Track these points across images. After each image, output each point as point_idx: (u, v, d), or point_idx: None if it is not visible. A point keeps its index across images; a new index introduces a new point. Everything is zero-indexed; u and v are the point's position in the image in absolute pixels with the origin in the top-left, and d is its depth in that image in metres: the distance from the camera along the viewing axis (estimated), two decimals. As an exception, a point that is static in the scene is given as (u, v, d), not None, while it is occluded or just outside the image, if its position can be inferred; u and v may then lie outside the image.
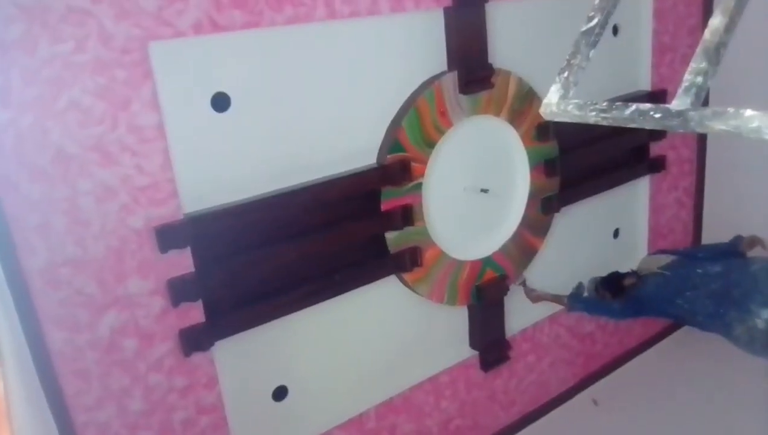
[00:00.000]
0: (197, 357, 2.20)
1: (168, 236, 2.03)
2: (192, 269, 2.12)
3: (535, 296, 3.08)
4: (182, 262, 2.11)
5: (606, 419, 3.29)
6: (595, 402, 3.44)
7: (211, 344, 2.20)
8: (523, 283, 3.09)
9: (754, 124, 0.79)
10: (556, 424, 3.34)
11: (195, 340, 2.16)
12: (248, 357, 2.35)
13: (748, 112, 0.81)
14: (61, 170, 1.88)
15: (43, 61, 1.79)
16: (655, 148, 3.57)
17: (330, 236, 2.44)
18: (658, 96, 3.33)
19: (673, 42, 3.43)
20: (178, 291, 2.09)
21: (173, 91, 2.01)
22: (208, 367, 2.25)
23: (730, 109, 0.83)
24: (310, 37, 2.25)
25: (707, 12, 3.46)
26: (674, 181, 3.77)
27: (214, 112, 2.12)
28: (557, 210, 3.12)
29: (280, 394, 2.49)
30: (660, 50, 3.41)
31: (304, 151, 2.33)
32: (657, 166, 3.58)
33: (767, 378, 2.97)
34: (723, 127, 0.84)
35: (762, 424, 3.03)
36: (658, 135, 3.49)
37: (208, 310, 2.19)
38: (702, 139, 3.79)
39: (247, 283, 2.28)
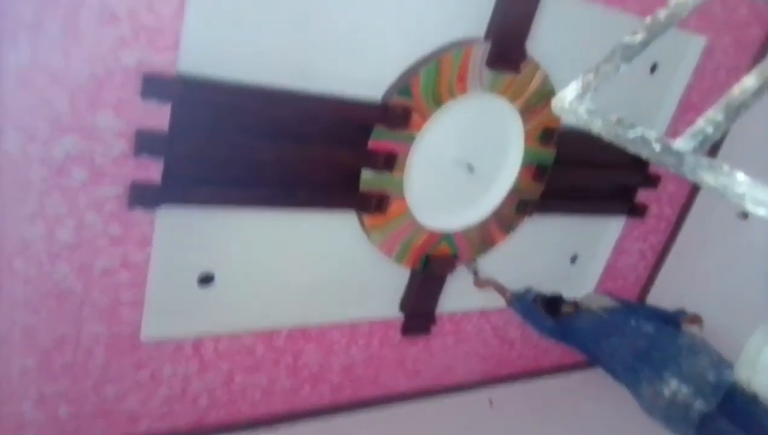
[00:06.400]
0: (139, 213, 2.18)
1: (154, 85, 1.98)
2: (166, 127, 2.08)
3: (482, 281, 3.12)
4: (159, 116, 2.06)
5: (493, 422, 3.40)
6: (490, 402, 3.54)
7: (158, 205, 2.18)
8: (475, 270, 3.13)
9: (741, 190, 0.79)
10: (447, 408, 3.43)
11: (143, 196, 2.13)
12: (188, 233, 2.34)
13: (740, 177, 0.81)
14: (73, -24, 1.80)
15: None
16: (642, 195, 3.60)
17: (311, 151, 2.42)
18: (665, 148, 3.32)
19: (701, 103, 3.43)
20: (144, 142, 2.05)
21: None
22: (146, 226, 2.22)
23: (726, 167, 0.83)
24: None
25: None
26: (646, 233, 3.82)
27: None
28: (530, 214, 3.14)
29: (206, 280, 2.49)
30: (686, 105, 3.41)
31: (316, 56, 2.27)
32: (638, 211, 3.61)
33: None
34: (712, 182, 0.84)
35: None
36: (650, 183, 3.52)
37: (167, 172, 2.15)
38: (687, 204, 3.84)
39: (213, 162, 2.25)
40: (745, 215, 3.67)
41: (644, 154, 0.95)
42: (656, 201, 3.69)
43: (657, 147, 0.92)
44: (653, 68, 3.22)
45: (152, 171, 2.13)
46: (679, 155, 0.90)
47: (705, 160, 0.87)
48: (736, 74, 3.48)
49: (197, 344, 2.56)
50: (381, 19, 2.34)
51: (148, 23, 1.93)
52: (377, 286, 2.97)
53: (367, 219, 2.66)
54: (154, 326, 2.38)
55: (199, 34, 2.03)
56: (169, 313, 2.41)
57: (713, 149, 3.19)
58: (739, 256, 3.61)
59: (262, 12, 2.12)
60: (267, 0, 2.10)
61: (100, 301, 2.25)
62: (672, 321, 3.07)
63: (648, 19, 1.09)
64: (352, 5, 2.26)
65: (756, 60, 3.52)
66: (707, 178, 0.86)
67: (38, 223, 2.05)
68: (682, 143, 0.91)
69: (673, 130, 3.42)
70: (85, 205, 2.08)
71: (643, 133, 0.95)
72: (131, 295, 2.30)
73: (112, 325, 2.31)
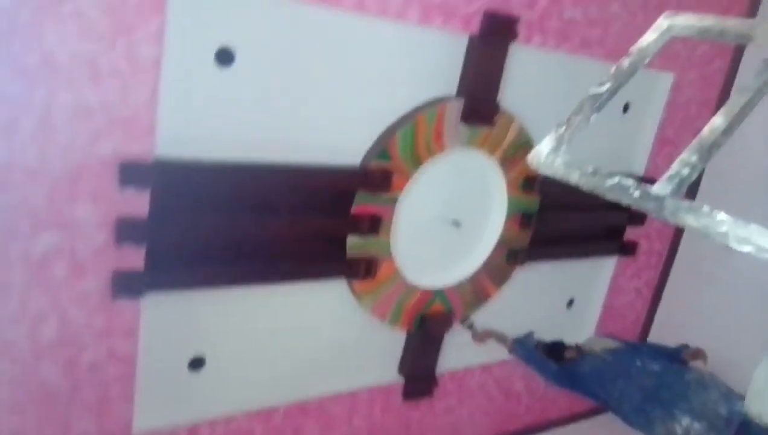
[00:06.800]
0: (124, 302, 2.13)
1: (131, 173, 1.97)
2: (146, 213, 2.06)
3: (481, 335, 3.06)
4: (138, 203, 2.04)
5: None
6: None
7: (142, 293, 2.13)
8: (471, 326, 3.08)
9: (723, 229, 0.78)
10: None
11: (127, 285, 2.09)
12: (175, 318, 2.28)
13: (720, 216, 0.80)
14: (45, 75, 1.82)
15: (59, -38, 1.74)
16: (631, 233, 3.60)
17: (294, 223, 2.40)
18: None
19: (676, 137, 3.49)
20: (125, 231, 2.02)
21: (181, 31, 1.96)
22: (132, 315, 2.17)
23: (705, 208, 0.82)
24: (334, 21, 2.23)
25: (716, 120, 3.53)
26: (639, 270, 3.80)
27: (216, 64, 2.07)
28: (521, 263, 3.12)
29: (196, 364, 2.42)
30: (662, 140, 3.46)
31: (292, 129, 2.29)
32: (628, 249, 3.61)
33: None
34: (694, 224, 0.83)
35: None
36: (637, 220, 3.53)
37: (150, 258, 2.12)
38: (677, 237, 3.85)
39: (196, 243, 2.22)
40: None
41: (624, 201, 0.95)
42: (645, 237, 3.70)
43: (636, 193, 0.92)
44: (625, 108, 3.28)
45: (135, 258, 2.10)
46: (658, 200, 0.89)
47: (685, 203, 0.86)
48: (706, 107, 3.56)
49: (192, 432, 2.46)
50: (353, 86, 2.37)
51: (122, 113, 1.94)
52: (374, 352, 2.90)
53: (357, 285, 2.62)
54: (146, 418, 2.29)
55: (174, 117, 2.04)
56: (161, 403, 2.33)
57: (693, 186, 3.21)
58: (736, 283, 3.59)
59: (235, 90, 2.14)
60: (239, 77, 2.12)
61: (89, 398, 2.17)
62: (676, 357, 3.02)
63: (612, 69, 1.11)
64: (323, 75, 2.29)
65: (723, 92, 3.61)
66: (689, 220, 0.85)
67: (21, 323, 1.99)
68: (660, 187, 0.91)
69: (653, 166, 3.46)
70: (67, 300, 2.04)
71: (621, 181, 0.95)
72: (121, 388, 2.23)
73: (103, 422, 2.23)
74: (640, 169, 3.46)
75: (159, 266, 2.15)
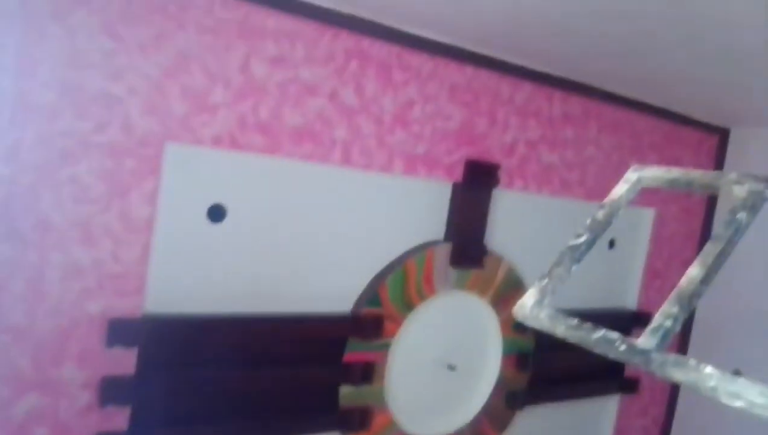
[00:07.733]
0: (106, 467, 2.03)
1: (119, 332, 1.95)
2: (132, 370, 2.02)
3: None
4: (125, 361, 2.01)
5: None
6: None
7: (125, 457, 2.03)
8: None
9: (711, 384, 0.77)
10: None
11: (110, 448, 2.00)
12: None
13: (708, 370, 0.79)
14: (38, 238, 1.86)
15: (61, 132, 1.84)
16: (631, 368, 3.52)
17: (285, 374, 2.34)
18: (641, 318, 3.35)
19: (665, 270, 3.52)
20: (110, 392, 1.96)
21: (175, 192, 2.04)
22: (114, 481, 2.05)
23: (692, 362, 0.82)
24: (321, 176, 2.33)
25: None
26: (645, 407, 3.67)
27: (208, 222, 2.13)
28: (521, 406, 3.01)
29: None
30: (652, 274, 3.49)
31: (282, 279, 2.31)
32: (630, 386, 3.51)
33: None
34: (682, 378, 0.82)
35: None
36: (635, 357, 3.46)
37: (134, 418, 2.04)
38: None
39: (182, 401, 2.15)
40: (737, 372, 3.59)
41: (610, 354, 0.94)
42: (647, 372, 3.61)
43: (622, 347, 0.91)
44: (611, 244, 3.34)
45: (118, 419, 2.02)
46: (644, 354, 0.89)
47: (671, 357, 0.86)
48: (690, 238, 3.64)
49: None
50: (342, 236, 2.43)
51: (113, 272, 1.96)
52: None
53: (352, 438, 2.51)
54: None
55: (165, 272, 2.06)
56: None
57: (686, 325, 3.18)
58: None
59: (227, 244, 2.18)
60: (230, 232, 2.18)
61: None
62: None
63: (588, 221, 1.15)
64: (312, 227, 2.35)
65: (705, 223, 3.70)
66: (676, 374, 0.84)
67: (-6, 496, 1.88)
68: (645, 341, 0.91)
69: (645, 299, 3.46)
70: (46, 468, 1.94)
71: (605, 334, 0.95)
72: None
73: None
74: (632, 303, 3.46)
75: (144, 426, 2.06)
